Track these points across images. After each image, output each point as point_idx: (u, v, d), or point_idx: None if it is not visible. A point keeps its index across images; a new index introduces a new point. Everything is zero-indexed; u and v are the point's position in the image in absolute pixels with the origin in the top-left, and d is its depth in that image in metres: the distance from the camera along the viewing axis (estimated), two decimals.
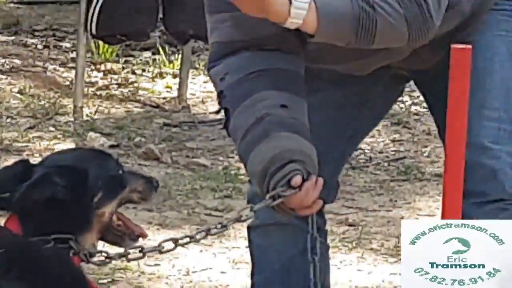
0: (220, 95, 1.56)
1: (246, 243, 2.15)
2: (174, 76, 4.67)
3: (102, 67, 5.58)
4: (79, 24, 4.26)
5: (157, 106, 4.64)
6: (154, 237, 2.97)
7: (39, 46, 6.65)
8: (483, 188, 1.84)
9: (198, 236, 1.67)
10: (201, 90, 4.78)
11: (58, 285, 1.33)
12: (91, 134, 4.32)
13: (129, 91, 5.10)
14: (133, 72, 5.44)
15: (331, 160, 1.74)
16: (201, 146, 4.41)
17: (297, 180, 1.42)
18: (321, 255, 1.88)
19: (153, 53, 4.80)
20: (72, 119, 4.79)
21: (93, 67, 5.61)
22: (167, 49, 5.14)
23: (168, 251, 1.66)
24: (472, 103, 1.47)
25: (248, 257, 2.16)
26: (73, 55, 5.53)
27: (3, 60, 6.15)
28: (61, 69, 5.97)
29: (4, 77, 5.65)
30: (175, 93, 4.60)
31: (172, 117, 4.73)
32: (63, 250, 1.39)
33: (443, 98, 1.43)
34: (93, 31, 4.28)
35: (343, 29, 1.37)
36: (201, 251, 3.41)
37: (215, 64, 1.52)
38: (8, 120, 4.81)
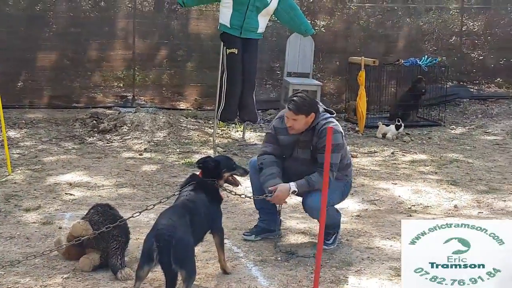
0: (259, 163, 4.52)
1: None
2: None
3: None
4: None
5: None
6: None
7: None
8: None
9: (249, 196, 4.65)
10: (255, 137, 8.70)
11: (211, 191, 3.99)
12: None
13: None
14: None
15: None
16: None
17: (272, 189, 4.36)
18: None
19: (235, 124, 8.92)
20: None
21: None
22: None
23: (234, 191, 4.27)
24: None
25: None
26: None
27: None
28: None
29: None
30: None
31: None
32: (214, 183, 4.05)
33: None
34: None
35: (304, 190, 4.33)
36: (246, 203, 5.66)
37: (260, 155, 4.52)
38: None
